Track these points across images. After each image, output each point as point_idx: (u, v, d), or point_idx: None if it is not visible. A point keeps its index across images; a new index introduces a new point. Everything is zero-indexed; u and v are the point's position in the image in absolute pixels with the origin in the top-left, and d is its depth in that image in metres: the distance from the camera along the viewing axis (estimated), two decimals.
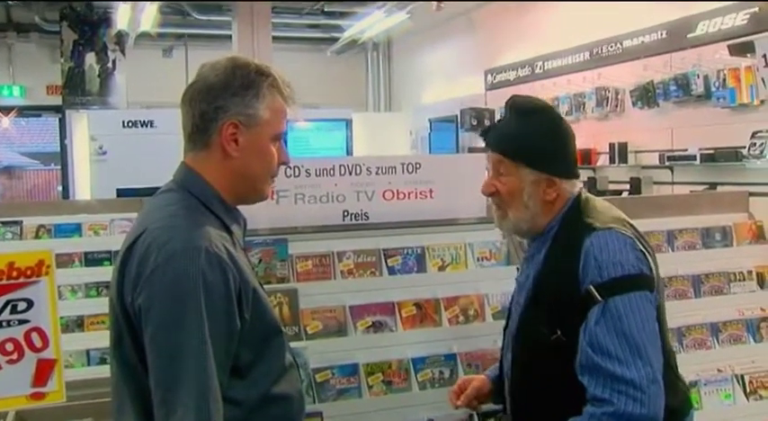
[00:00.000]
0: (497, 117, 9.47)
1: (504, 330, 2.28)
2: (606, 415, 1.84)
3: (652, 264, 2.01)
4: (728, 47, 5.91)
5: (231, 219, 1.88)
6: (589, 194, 2.17)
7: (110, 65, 11.40)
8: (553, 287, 2.02)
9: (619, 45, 7.50)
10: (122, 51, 11.50)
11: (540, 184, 2.07)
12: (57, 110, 11.82)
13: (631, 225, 2.07)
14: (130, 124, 8.92)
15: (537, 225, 2.11)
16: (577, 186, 2.14)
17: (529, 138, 2.06)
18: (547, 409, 2.02)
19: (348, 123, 11.86)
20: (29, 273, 2.29)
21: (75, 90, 11.25)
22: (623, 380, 1.84)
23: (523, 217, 2.10)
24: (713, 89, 6.21)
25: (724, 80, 6.08)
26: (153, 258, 1.68)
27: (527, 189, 2.07)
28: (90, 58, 11.34)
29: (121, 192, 6.78)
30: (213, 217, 1.82)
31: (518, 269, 2.35)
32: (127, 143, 8.71)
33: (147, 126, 8.91)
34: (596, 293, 1.90)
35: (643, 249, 2.01)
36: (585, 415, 1.88)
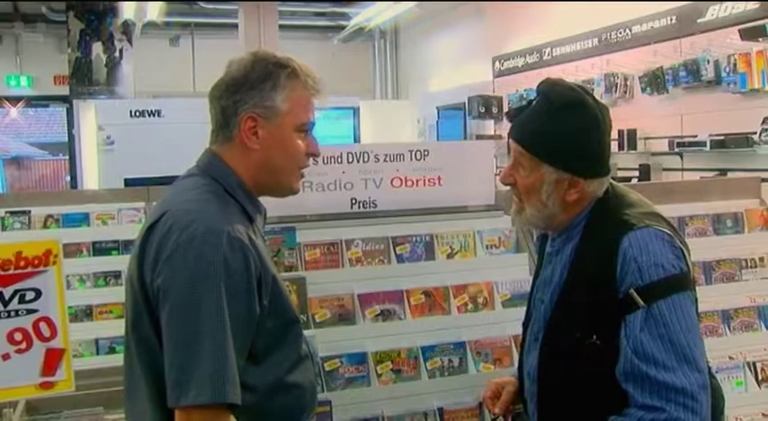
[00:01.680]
0: (505, 105, 9.48)
1: (525, 327, 2.19)
2: (658, 420, 1.76)
3: (689, 260, 1.91)
4: (739, 31, 5.87)
5: (254, 208, 1.89)
6: (617, 184, 2.05)
7: (117, 54, 11.39)
8: (587, 288, 1.90)
9: (628, 31, 7.46)
10: (129, 41, 11.49)
11: (562, 184, 1.94)
12: (64, 100, 11.84)
13: (664, 218, 1.97)
14: (138, 114, 8.93)
15: (555, 223, 2.00)
16: (605, 184, 2.00)
17: (558, 137, 1.91)
18: (580, 414, 1.93)
19: (355, 111, 11.86)
20: (36, 262, 2.29)
21: (83, 80, 11.26)
22: (673, 389, 1.76)
23: (540, 215, 1.98)
24: (723, 74, 6.17)
25: (735, 65, 6.04)
26: (174, 239, 1.68)
27: (546, 187, 1.95)
28: (97, 48, 11.34)
29: (129, 182, 6.78)
30: (236, 204, 1.83)
31: (537, 261, 2.25)
32: (134, 132, 8.72)
33: (154, 115, 8.92)
34: (638, 298, 1.80)
35: (680, 245, 1.90)
36: (632, 417, 1.79)
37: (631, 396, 1.81)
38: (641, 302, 1.81)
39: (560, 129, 1.91)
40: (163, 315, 1.68)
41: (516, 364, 2.44)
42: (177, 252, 1.67)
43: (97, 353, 3.85)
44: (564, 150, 1.92)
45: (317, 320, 2.71)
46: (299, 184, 1.96)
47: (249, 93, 1.82)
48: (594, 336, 1.87)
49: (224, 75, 1.88)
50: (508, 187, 2.09)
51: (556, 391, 1.99)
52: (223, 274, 1.65)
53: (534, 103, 2.00)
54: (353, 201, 2.92)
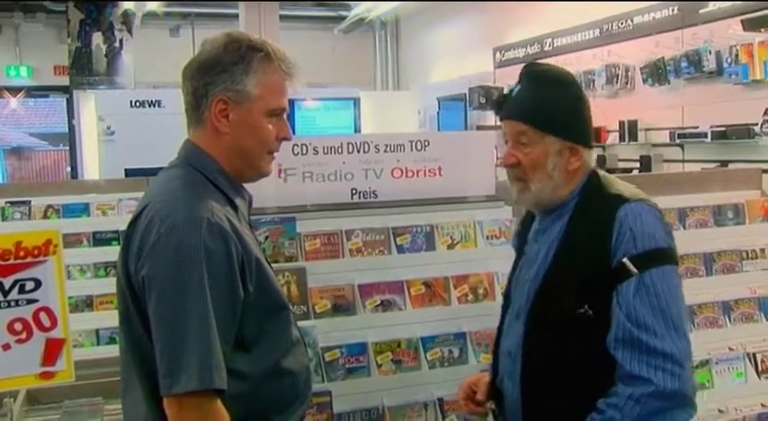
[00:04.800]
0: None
1: (503, 311, 2.20)
2: (646, 395, 1.80)
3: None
4: (742, 22, 5.84)
5: (235, 193, 1.89)
6: (597, 168, 2.12)
7: (116, 44, 11.36)
8: (580, 260, 1.94)
9: (629, 21, 7.43)
10: (129, 31, 11.45)
11: (564, 154, 2.00)
12: (64, 90, 11.79)
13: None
14: (138, 104, 8.93)
15: (557, 196, 2.03)
16: (594, 157, 2.10)
17: (553, 105, 1.99)
18: (567, 390, 1.94)
19: (356, 102, 11.85)
20: (36, 252, 2.30)
21: (83, 70, 11.23)
22: (662, 354, 1.81)
23: (546, 188, 2.01)
24: (725, 65, 6.15)
25: (736, 56, 6.01)
26: (155, 230, 1.69)
27: (552, 158, 1.99)
28: (97, 38, 11.30)
29: (129, 172, 6.79)
30: (217, 191, 1.83)
31: (518, 245, 2.26)
32: (134, 123, 8.73)
33: (154, 106, 8.92)
34: (632, 266, 1.86)
35: (666, 222, 2.00)
36: (621, 396, 1.82)
37: (619, 365, 1.85)
38: (634, 270, 1.86)
39: (558, 101, 2.00)
40: (150, 305, 1.69)
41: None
42: (159, 242, 1.68)
43: (98, 344, 3.86)
44: (564, 119, 2.00)
45: (317, 311, 2.72)
46: (269, 167, 1.95)
47: (221, 75, 1.81)
48: (587, 306, 1.90)
49: (197, 54, 1.87)
50: (507, 180, 2.13)
51: (541, 366, 2.00)
52: (204, 260, 1.66)
53: (521, 85, 2.06)
54: (354, 192, 2.92)
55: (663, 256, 1.89)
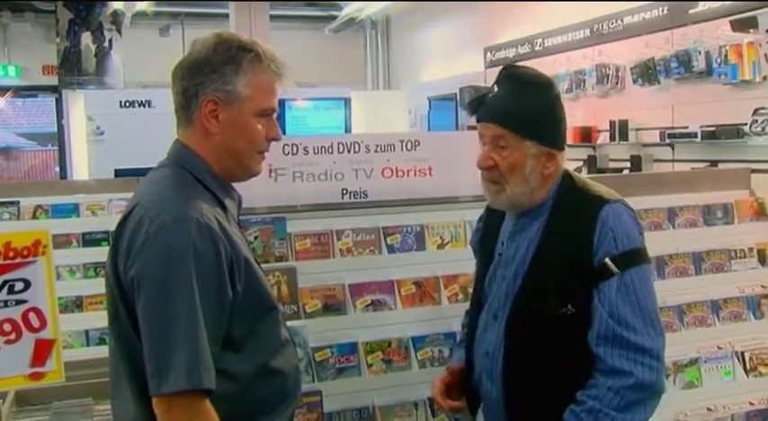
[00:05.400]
0: None
1: (476, 312, 2.21)
2: (625, 387, 1.89)
3: None
4: (731, 22, 5.88)
5: (224, 194, 1.89)
6: (566, 168, 2.16)
7: (106, 44, 11.31)
8: (561, 259, 1.98)
9: (619, 22, 7.46)
10: (119, 31, 11.40)
11: (541, 158, 2.03)
12: (53, 90, 11.75)
13: None
14: (128, 104, 8.90)
15: (533, 199, 2.07)
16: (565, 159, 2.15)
17: (535, 112, 2.01)
18: (548, 386, 1.99)
19: (347, 102, 11.85)
20: (25, 253, 2.29)
21: (72, 70, 11.18)
22: (642, 350, 1.90)
23: (523, 191, 2.04)
24: (715, 65, 6.18)
25: (726, 56, 6.04)
26: (144, 230, 1.70)
27: (529, 162, 2.02)
28: (86, 38, 11.24)
29: (119, 173, 6.76)
30: (206, 191, 1.84)
31: (483, 245, 2.28)
32: (124, 123, 8.70)
33: (144, 106, 8.90)
34: (613, 266, 1.93)
35: (639, 222, 2.08)
36: (601, 388, 1.90)
37: (601, 360, 1.92)
38: (616, 269, 1.93)
39: (538, 106, 2.03)
40: (138, 306, 1.70)
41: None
42: (148, 242, 1.69)
43: (87, 345, 3.85)
44: (544, 126, 2.03)
45: (308, 310, 2.72)
46: (259, 167, 1.96)
47: (211, 76, 1.81)
48: (569, 306, 1.95)
49: (187, 54, 1.87)
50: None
51: (523, 366, 2.03)
52: (193, 259, 1.67)
53: (499, 87, 2.08)
54: (344, 192, 2.93)
55: (640, 256, 1.99)
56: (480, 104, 2.09)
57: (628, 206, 2.04)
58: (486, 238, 2.28)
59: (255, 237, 2.70)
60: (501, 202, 2.11)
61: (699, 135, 6.24)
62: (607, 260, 1.93)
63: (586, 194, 2.05)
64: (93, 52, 11.27)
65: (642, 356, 1.90)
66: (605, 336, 1.92)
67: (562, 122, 2.09)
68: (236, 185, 1.98)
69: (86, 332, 3.86)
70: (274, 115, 1.93)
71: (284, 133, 2.05)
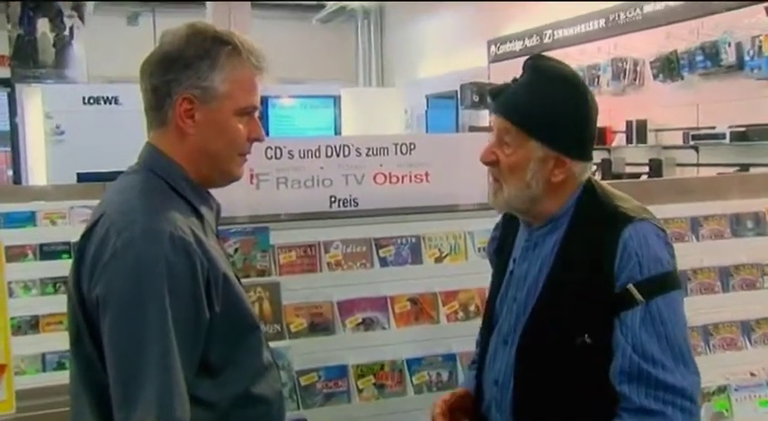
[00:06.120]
0: None
1: (488, 332, 2.20)
2: None
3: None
4: (766, 9, 5.87)
5: (201, 202, 1.89)
6: (593, 177, 2.12)
7: (66, 33, 11.31)
8: (578, 283, 1.94)
9: (638, 11, 7.50)
10: (80, 18, 11.40)
11: (548, 163, 1.97)
12: (5, 83, 11.70)
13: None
14: (92, 100, 8.92)
15: (536, 208, 2.04)
16: (589, 170, 2.07)
17: (546, 108, 1.97)
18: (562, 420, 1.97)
19: (336, 100, 11.89)
20: None
21: (27, 61, 11.17)
22: (671, 389, 1.85)
23: (521, 195, 2.01)
24: (746, 58, 6.18)
25: (759, 48, 6.02)
26: (111, 244, 1.69)
27: (532, 165, 1.98)
28: (43, 25, 11.23)
29: (82, 177, 6.77)
30: (181, 199, 1.84)
31: (498, 257, 2.28)
32: (88, 121, 8.71)
33: (110, 102, 8.92)
34: (637, 293, 1.88)
35: (671, 242, 2.01)
36: None
37: (627, 398, 1.87)
38: (640, 298, 1.88)
39: (550, 103, 1.98)
40: (104, 327, 1.68)
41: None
42: (115, 257, 1.68)
43: (43, 370, 3.83)
44: (553, 125, 1.98)
45: (292, 330, 2.73)
46: (240, 170, 1.96)
47: (184, 71, 1.81)
48: (586, 335, 1.92)
49: (157, 48, 1.87)
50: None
51: (535, 398, 2.01)
52: (165, 277, 1.66)
53: (522, 78, 2.05)
54: (332, 199, 2.94)
55: (669, 282, 1.92)
56: (500, 93, 2.07)
57: (657, 224, 1.99)
58: (500, 249, 2.27)
59: (235, 250, 2.71)
60: (498, 203, 2.10)
61: (727, 136, 6.25)
62: (630, 286, 1.88)
63: (608, 209, 2.00)
64: (52, 41, 11.26)
65: (673, 396, 1.84)
66: (629, 373, 1.87)
67: (582, 125, 2.02)
68: (214, 192, 1.98)
69: (43, 356, 3.84)
70: (256, 114, 1.94)
71: (267, 134, 2.06)
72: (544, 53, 2.33)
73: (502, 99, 2.05)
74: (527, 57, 2.12)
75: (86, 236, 1.78)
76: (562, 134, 1.99)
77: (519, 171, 2.00)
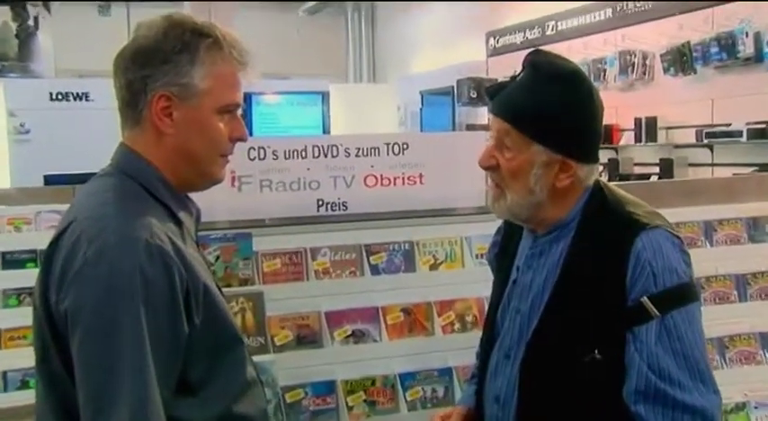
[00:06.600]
0: None
1: (489, 345, 2.20)
2: None
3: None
4: None
5: (179, 207, 1.89)
6: (602, 180, 2.11)
7: (31, 23, 11.26)
8: (588, 295, 1.94)
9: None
10: (46, 7, 11.36)
11: (553, 167, 1.97)
12: None
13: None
14: (60, 96, 8.90)
15: (540, 215, 2.04)
16: (596, 173, 2.06)
17: (548, 109, 1.95)
18: None
19: (324, 97, 11.88)
20: None
21: None
22: (691, 410, 1.84)
23: (524, 203, 2.00)
24: (765, 49, 6.17)
25: None
26: (82, 253, 1.68)
27: (536, 171, 1.96)
28: (4, 14, 11.16)
29: (50, 180, 6.75)
30: (157, 204, 1.83)
31: (500, 263, 2.28)
32: (56, 119, 8.69)
33: (80, 99, 8.90)
34: (652, 307, 1.87)
35: (686, 250, 2.00)
36: None
37: (643, 419, 1.87)
38: (655, 312, 1.87)
39: (553, 103, 1.96)
40: (73, 343, 1.67)
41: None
42: (86, 267, 1.67)
43: (5, 390, 3.81)
44: (557, 128, 1.96)
45: (277, 343, 2.74)
46: (222, 173, 1.96)
47: (161, 67, 1.81)
48: (596, 351, 1.91)
49: (131, 40, 1.86)
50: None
51: (540, 416, 2.01)
52: (141, 289, 1.65)
53: (521, 75, 2.04)
54: (320, 203, 2.95)
55: (686, 294, 1.91)
56: (498, 91, 2.05)
57: (671, 231, 1.97)
58: (502, 255, 2.27)
59: (216, 258, 2.72)
60: (500, 210, 2.08)
61: (744, 134, 6.25)
62: (644, 300, 1.87)
63: (618, 216, 1.99)
64: (14, 32, 11.21)
65: (693, 418, 1.84)
66: (645, 393, 1.87)
67: (590, 126, 2.02)
68: (193, 196, 1.98)
69: (4, 374, 3.83)
70: (239, 112, 1.94)
71: (250, 134, 2.05)
72: (545, 47, 2.32)
73: (501, 99, 2.03)
74: (528, 50, 2.11)
75: (54, 243, 1.77)
76: (567, 136, 1.97)
77: (521, 176, 1.99)
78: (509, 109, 2.00)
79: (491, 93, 2.07)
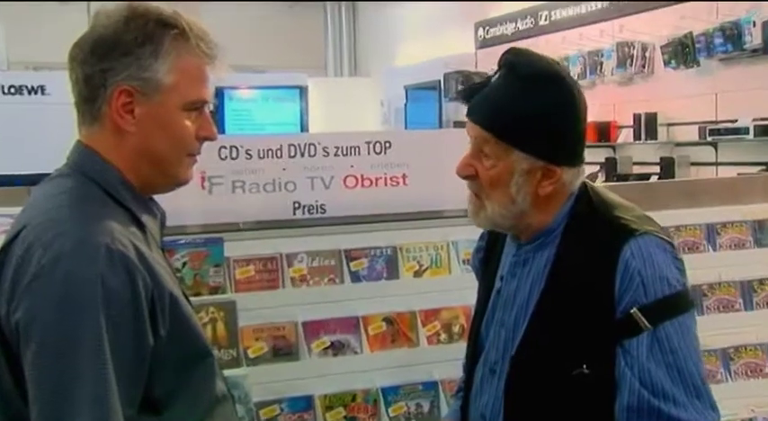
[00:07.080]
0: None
1: (473, 359, 2.21)
2: None
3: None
4: None
5: (143, 209, 1.88)
6: (589, 182, 2.12)
7: None
8: (574, 306, 1.95)
9: None
10: None
11: (535, 174, 1.97)
12: None
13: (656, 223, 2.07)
14: (12, 90, 8.83)
15: (524, 222, 2.04)
16: (581, 176, 2.07)
17: (528, 113, 1.94)
18: None
19: (302, 92, 11.85)
20: None
21: None
22: None
23: (506, 213, 2.00)
24: None
25: None
26: (36, 260, 1.66)
27: (517, 179, 1.97)
28: None
29: (1, 180, 6.73)
30: (118, 207, 1.82)
31: (484, 271, 2.29)
32: (7, 114, 8.61)
33: (35, 93, 8.84)
34: (643, 319, 1.88)
35: (680, 256, 2.02)
36: None
37: None
38: (646, 324, 1.89)
39: (532, 107, 1.95)
40: (26, 359, 1.65)
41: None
42: (41, 275, 1.64)
43: None
44: (537, 132, 1.96)
45: (251, 356, 2.75)
46: (189, 174, 1.95)
47: (122, 59, 1.79)
48: (584, 365, 1.93)
49: (89, 30, 1.84)
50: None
51: None
52: (101, 299, 1.63)
53: (497, 76, 2.03)
54: (296, 206, 2.96)
55: (678, 304, 1.93)
56: (473, 93, 2.04)
57: (662, 237, 1.98)
58: (486, 262, 2.28)
59: (184, 264, 2.72)
60: (481, 221, 2.09)
61: (750, 131, 6.27)
62: (634, 311, 1.88)
63: (605, 221, 2.00)
64: None
65: None
66: (638, 409, 1.88)
67: (571, 129, 2.01)
68: (159, 198, 1.97)
69: None
70: (207, 108, 1.93)
71: (222, 132, 2.05)
72: (538, 39, 2.33)
73: (477, 103, 2.03)
74: (522, 41, 2.11)
75: (5, 250, 1.75)
76: (548, 141, 1.97)
77: (502, 185, 1.99)
78: (486, 115, 1.99)
79: (466, 95, 2.05)
